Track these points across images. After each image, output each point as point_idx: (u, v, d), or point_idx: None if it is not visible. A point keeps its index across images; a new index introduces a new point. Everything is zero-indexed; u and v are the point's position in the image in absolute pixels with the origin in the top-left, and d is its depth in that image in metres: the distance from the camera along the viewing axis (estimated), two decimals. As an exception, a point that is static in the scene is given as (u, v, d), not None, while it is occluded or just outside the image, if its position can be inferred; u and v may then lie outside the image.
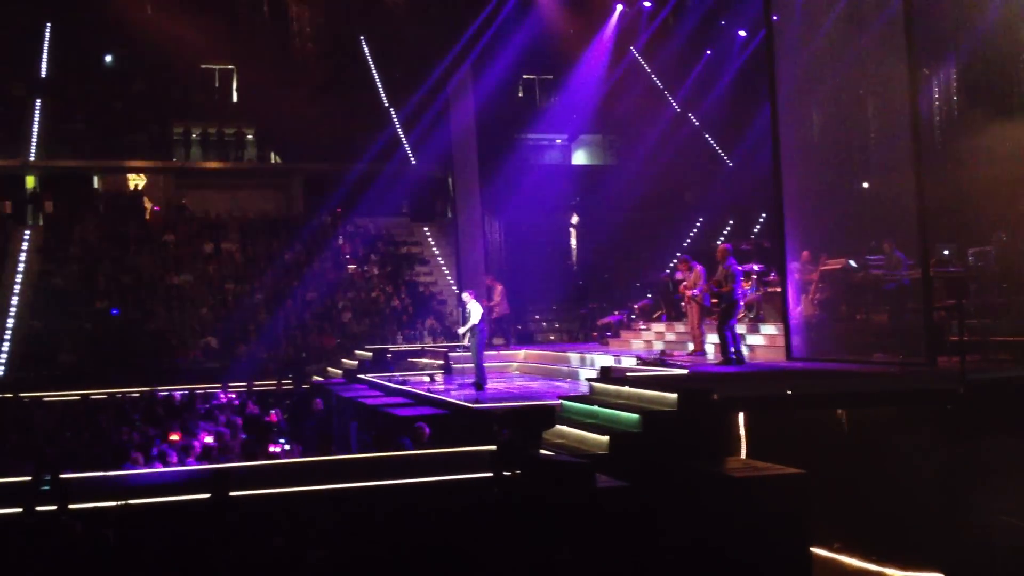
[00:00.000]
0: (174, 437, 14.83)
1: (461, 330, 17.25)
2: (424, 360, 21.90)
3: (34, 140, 33.38)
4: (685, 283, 16.39)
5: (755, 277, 17.50)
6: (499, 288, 21.62)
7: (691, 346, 16.58)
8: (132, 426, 16.12)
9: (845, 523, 10.22)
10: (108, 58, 36.26)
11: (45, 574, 7.48)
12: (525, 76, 38.09)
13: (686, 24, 34.69)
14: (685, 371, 14.12)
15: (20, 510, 8.30)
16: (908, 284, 13.26)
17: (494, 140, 31.83)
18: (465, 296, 17.36)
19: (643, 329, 20.39)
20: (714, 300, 15.92)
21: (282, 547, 7.87)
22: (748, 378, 13.34)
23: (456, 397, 15.38)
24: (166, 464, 12.88)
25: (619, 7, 33.03)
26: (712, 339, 16.21)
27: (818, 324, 14.44)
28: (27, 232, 31.01)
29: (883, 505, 10.05)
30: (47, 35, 35.46)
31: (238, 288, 29.74)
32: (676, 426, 10.66)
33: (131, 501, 8.43)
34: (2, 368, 25.68)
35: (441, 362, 20.41)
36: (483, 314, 16.92)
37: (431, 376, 19.13)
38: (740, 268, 15.18)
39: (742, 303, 15.45)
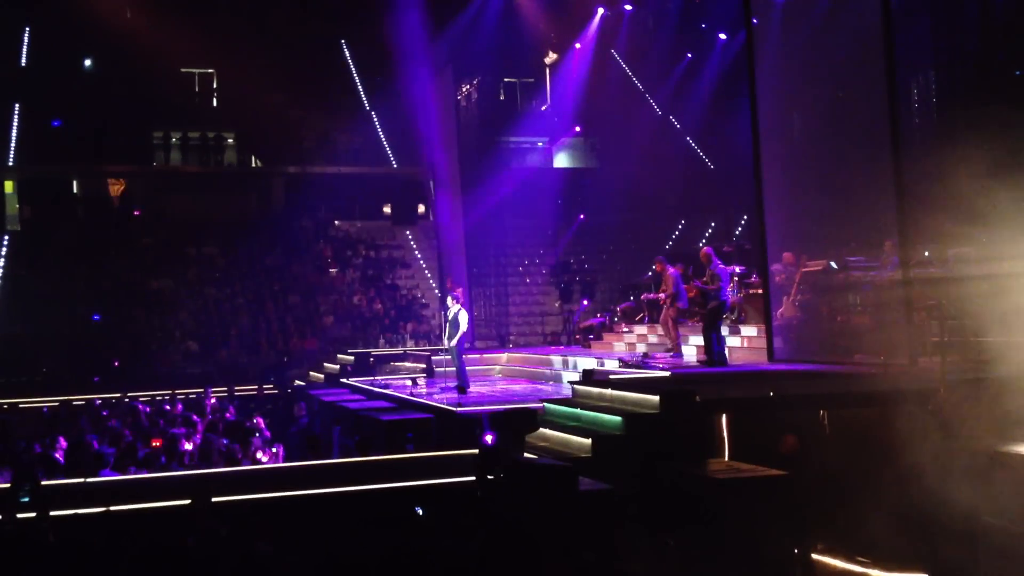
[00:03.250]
0: (156, 443, 14.73)
1: (447, 341, 17.09)
2: (406, 364, 21.87)
3: (12, 144, 33.14)
4: (663, 287, 16.51)
5: (736, 279, 17.56)
6: (459, 290, 20.70)
7: (668, 344, 16.64)
8: (113, 432, 15.99)
9: (829, 524, 10.24)
10: (87, 62, 36.03)
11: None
12: (506, 79, 38.08)
13: (667, 27, 34.73)
14: (667, 373, 14.15)
15: (0, 518, 8.23)
16: (888, 285, 13.31)
17: (476, 143, 31.86)
18: (449, 300, 17.33)
19: (625, 331, 20.41)
20: (695, 300, 15.97)
21: (265, 552, 7.83)
22: (730, 380, 13.37)
23: (439, 401, 15.36)
24: (149, 470, 12.79)
25: (600, 10, 33.05)
26: (695, 340, 16.28)
27: (799, 326, 14.50)
28: (5, 237, 30.79)
29: (866, 506, 10.07)
30: (26, 38, 35.22)
31: (218, 292, 29.62)
32: (659, 428, 10.69)
33: (112, 507, 8.37)
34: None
35: (423, 366, 20.37)
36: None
37: (413, 380, 19.10)
38: (725, 269, 15.23)
39: (729, 304, 15.53)
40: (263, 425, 17.25)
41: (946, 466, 9.67)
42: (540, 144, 38.62)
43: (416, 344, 26.79)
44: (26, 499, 8.39)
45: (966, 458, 9.73)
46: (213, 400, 20.49)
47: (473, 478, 9.29)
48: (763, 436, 10.54)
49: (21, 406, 20.79)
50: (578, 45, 33.95)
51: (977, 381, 11.06)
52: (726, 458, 10.58)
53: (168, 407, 19.37)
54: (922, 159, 18.69)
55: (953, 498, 9.45)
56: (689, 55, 35.28)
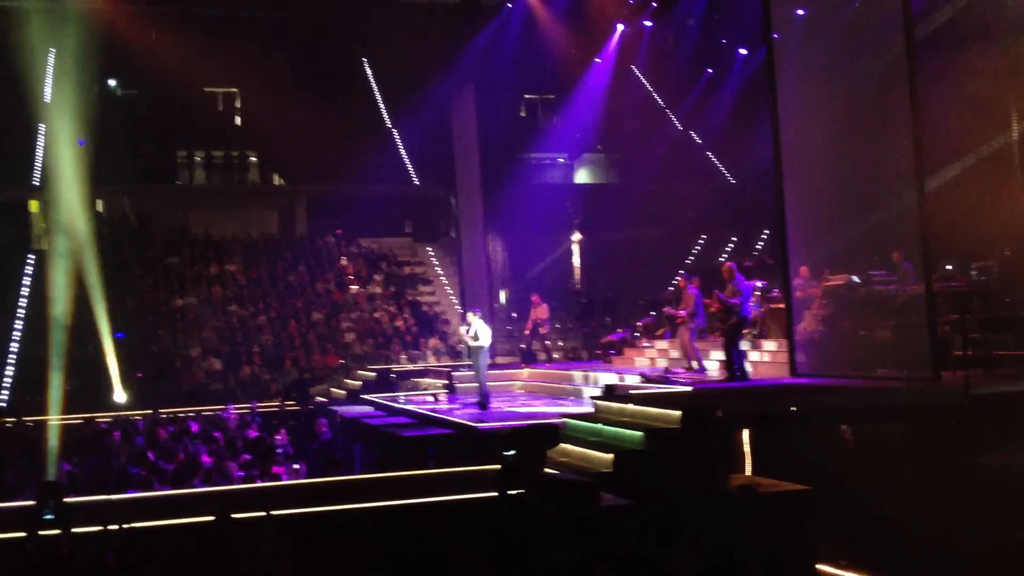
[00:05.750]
0: (182, 457, 14.82)
1: (469, 342, 17.20)
2: (428, 380, 21.89)
3: (38, 165, 33.48)
4: (682, 304, 16.48)
5: (758, 294, 17.47)
6: (544, 307, 22.61)
7: (695, 364, 16.52)
8: (138, 449, 16.09)
9: (850, 539, 10.18)
10: (112, 82, 36.41)
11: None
12: (527, 96, 38.20)
13: (687, 42, 34.80)
14: (689, 388, 14.10)
15: (24, 535, 8.28)
16: (910, 298, 13.23)
17: (496, 160, 31.89)
18: (470, 316, 17.34)
19: (646, 347, 20.36)
20: (716, 315, 15.92)
21: (287, 569, 7.84)
22: (752, 394, 13.31)
23: (460, 417, 15.36)
24: (173, 486, 12.86)
25: (620, 26, 33.13)
26: (717, 355, 16.21)
27: (822, 340, 14.41)
28: (30, 256, 31.07)
29: (889, 520, 10.01)
30: (51, 59, 35.62)
31: (242, 310, 29.75)
32: (680, 443, 10.65)
33: (134, 524, 8.39)
34: (7, 393, 25.63)
35: (445, 382, 20.39)
36: (491, 334, 17.00)
37: (435, 396, 19.11)
38: (748, 284, 15.17)
39: (750, 320, 15.46)
40: (286, 442, 17.33)
41: (968, 480, 9.60)
42: (561, 160, 38.69)
43: (437, 360, 26.83)
44: (50, 516, 8.44)
45: (988, 472, 9.66)
46: (235, 417, 20.60)
47: (495, 494, 9.27)
48: (785, 451, 10.49)
49: (47, 424, 20.90)
50: (598, 60, 34.02)
51: (1000, 396, 10.99)
52: (748, 473, 10.53)
53: (191, 424, 19.50)
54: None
55: (976, 512, 9.38)
56: (709, 70, 35.32)
